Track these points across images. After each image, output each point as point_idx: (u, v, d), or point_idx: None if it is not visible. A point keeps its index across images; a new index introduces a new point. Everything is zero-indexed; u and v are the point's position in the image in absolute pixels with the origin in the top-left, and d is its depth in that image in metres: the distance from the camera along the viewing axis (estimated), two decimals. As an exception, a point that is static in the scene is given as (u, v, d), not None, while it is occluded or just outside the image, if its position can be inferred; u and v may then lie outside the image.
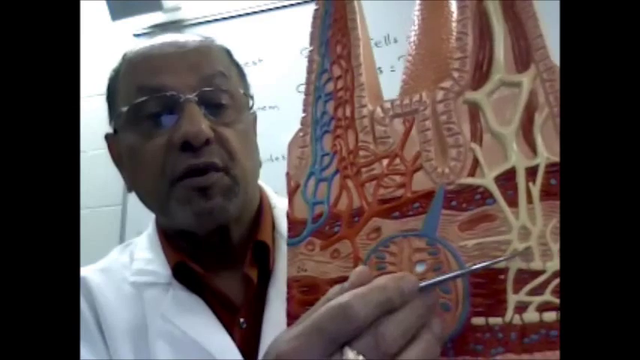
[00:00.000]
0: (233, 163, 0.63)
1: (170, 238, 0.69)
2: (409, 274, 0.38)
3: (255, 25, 1.87)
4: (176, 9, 1.93)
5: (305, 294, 0.44)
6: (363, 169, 0.44)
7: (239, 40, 1.70)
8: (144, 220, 0.71)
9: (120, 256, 0.72)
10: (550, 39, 0.40)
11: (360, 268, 0.40)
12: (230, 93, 0.66)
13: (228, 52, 0.71)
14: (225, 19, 1.93)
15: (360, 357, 0.34)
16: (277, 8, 1.93)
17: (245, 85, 0.71)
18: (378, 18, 1.68)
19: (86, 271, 0.69)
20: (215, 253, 0.67)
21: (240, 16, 1.92)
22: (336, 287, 0.38)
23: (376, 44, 1.76)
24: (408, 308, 0.36)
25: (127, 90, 0.65)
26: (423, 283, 0.37)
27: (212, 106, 0.64)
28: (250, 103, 0.70)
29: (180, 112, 0.61)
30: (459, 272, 0.37)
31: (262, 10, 1.89)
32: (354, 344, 0.34)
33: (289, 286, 0.45)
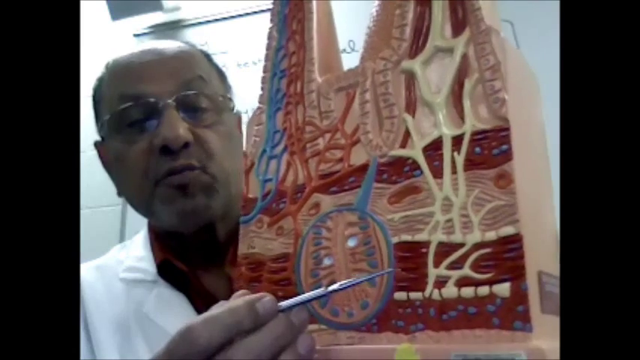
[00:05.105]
0: (211, 161, 0.63)
1: (159, 237, 0.70)
2: (269, 295, 0.36)
3: (255, 25, 1.81)
4: (176, 9, 1.90)
5: (252, 271, 0.44)
6: (308, 145, 0.43)
7: (239, 40, 1.67)
8: (144, 220, 0.72)
9: (118, 253, 0.74)
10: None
11: (240, 292, 0.40)
12: (209, 96, 0.66)
13: (207, 57, 0.72)
14: (225, 19, 1.87)
15: None
16: (277, 8, 1.89)
17: (226, 87, 0.72)
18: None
19: (80, 268, 0.70)
20: (201, 251, 0.68)
21: (240, 16, 1.86)
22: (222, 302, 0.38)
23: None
24: (264, 331, 0.34)
25: (109, 98, 0.67)
26: (284, 303, 0.36)
27: (191, 110, 0.64)
28: (232, 105, 0.71)
29: (160, 117, 0.63)
30: (320, 293, 0.36)
31: (262, 10, 1.82)
32: None
33: (239, 264, 0.45)
